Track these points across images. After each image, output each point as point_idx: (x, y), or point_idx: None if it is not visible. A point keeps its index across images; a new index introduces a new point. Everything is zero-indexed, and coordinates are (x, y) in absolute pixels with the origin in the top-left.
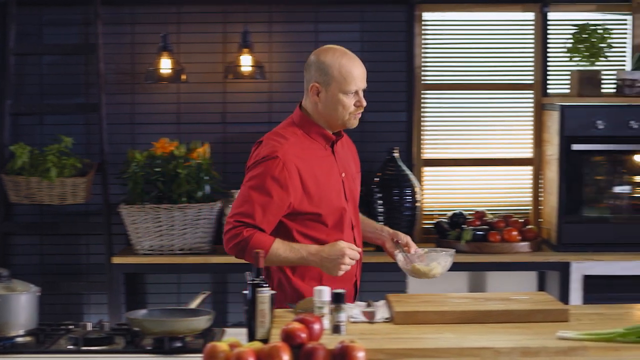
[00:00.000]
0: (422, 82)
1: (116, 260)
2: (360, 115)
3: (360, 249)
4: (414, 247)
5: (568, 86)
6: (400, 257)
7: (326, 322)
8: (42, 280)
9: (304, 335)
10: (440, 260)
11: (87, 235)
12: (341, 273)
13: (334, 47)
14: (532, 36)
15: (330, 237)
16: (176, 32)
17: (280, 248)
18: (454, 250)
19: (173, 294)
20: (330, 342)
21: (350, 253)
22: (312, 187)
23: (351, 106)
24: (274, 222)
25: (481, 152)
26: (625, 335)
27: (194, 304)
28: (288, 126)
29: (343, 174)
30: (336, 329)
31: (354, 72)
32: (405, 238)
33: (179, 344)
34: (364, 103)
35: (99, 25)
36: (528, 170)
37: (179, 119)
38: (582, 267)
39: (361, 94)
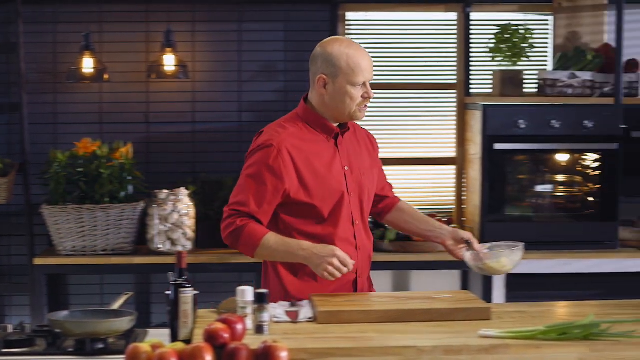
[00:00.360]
0: None
1: (38, 261)
2: (366, 108)
3: (352, 263)
4: (477, 244)
5: (490, 86)
6: (468, 255)
7: (249, 322)
8: None
9: (226, 335)
10: (510, 255)
11: (9, 236)
12: (326, 275)
13: (341, 38)
14: (455, 36)
15: (324, 230)
16: (98, 31)
17: (271, 240)
18: (523, 243)
19: (96, 295)
20: (253, 342)
21: (341, 256)
22: (308, 177)
23: (358, 98)
24: (269, 211)
25: (405, 152)
26: (546, 333)
27: (116, 305)
28: (290, 118)
29: (346, 167)
30: (259, 329)
31: (362, 63)
32: (467, 235)
33: (100, 346)
34: (372, 94)
35: (20, 24)
36: (451, 169)
37: (101, 118)
38: None
39: (368, 85)
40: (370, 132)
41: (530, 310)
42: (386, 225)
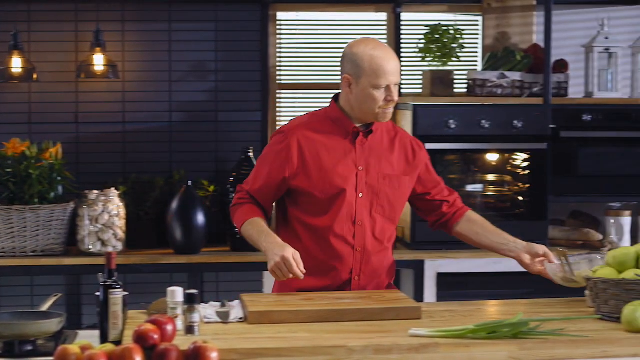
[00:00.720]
0: (277, 81)
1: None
2: (391, 110)
3: (298, 270)
4: (552, 257)
5: (421, 86)
6: (553, 268)
7: (180, 323)
8: None
9: (156, 336)
10: (591, 264)
11: None
12: (273, 273)
13: (368, 39)
14: (385, 36)
15: (321, 223)
16: (27, 30)
17: (249, 224)
18: (602, 252)
19: (26, 297)
20: (183, 343)
21: (288, 260)
22: (312, 167)
23: (380, 100)
24: (267, 193)
25: None
26: (475, 332)
27: (45, 307)
28: (317, 112)
29: (360, 168)
30: (189, 329)
31: (386, 66)
32: (542, 249)
33: (29, 348)
34: (395, 98)
35: None
36: None
37: (30, 118)
38: (436, 265)
39: (393, 88)
40: None
41: (460, 309)
42: None
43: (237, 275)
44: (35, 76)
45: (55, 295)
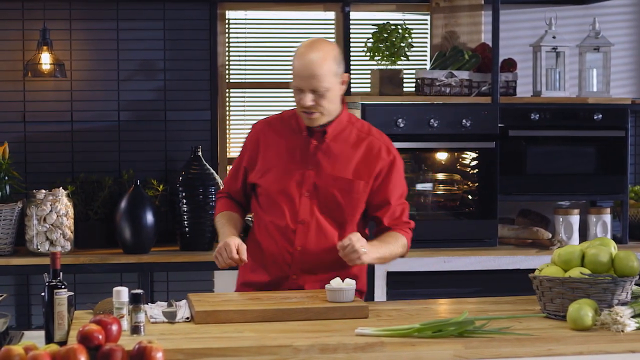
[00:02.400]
0: (227, 80)
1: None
2: (314, 116)
3: (240, 258)
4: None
5: (369, 85)
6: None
7: (125, 323)
8: None
9: (100, 336)
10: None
11: None
12: (215, 258)
13: (309, 40)
14: (334, 35)
15: (267, 217)
16: None
17: (218, 220)
18: None
19: None
20: (129, 343)
21: (229, 247)
22: (263, 162)
23: (298, 102)
24: (233, 185)
25: None
26: (421, 331)
27: None
28: (288, 110)
29: (310, 168)
30: (135, 329)
31: (297, 69)
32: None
33: None
34: (303, 103)
35: None
36: None
37: None
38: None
39: (306, 95)
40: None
41: (407, 308)
42: None
43: (188, 274)
44: None
45: (1, 295)
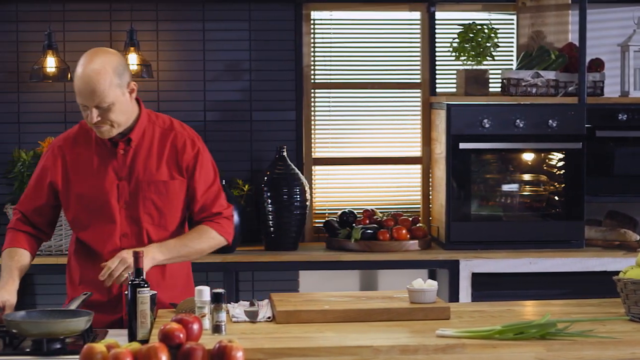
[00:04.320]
0: (312, 80)
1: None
2: (104, 129)
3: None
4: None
5: (455, 85)
6: None
7: (207, 322)
8: None
9: (181, 335)
10: None
11: None
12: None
13: (90, 51)
14: (419, 36)
15: (88, 237)
16: (61, 30)
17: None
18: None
19: (61, 295)
20: (210, 342)
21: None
22: (74, 181)
23: (86, 119)
24: (33, 203)
25: (371, 151)
26: (502, 333)
27: (74, 305)
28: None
29: (122, 178)
30: (217, 328)
31: (77, 87)
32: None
33: (58, 346)
34: (90, 120)
35: None
36: (417, 168)
37: (65, 118)
38: (470, 264)
39: (92, 110)
40: (338, 130)
41: (490, 309)
42: (352, 225)
43: (273, 274)
44: (69, 76)
45: (85, 294)
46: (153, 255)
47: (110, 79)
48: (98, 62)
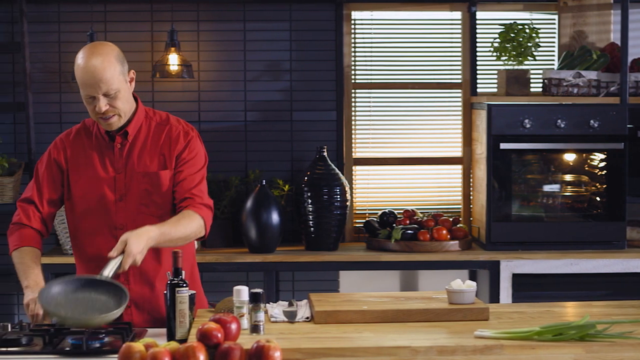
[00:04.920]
0: (353, 81)
1: (44, 260)
2: (112, 119)
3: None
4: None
5: (496, 85)
6: None
7: (245, 322)
8: None
9: (219, 335)
10: None
11: None
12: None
13: (87, 45)
14: (460, 35)
15: (89, 229)
16: (103, 30)
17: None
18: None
19: None
20: (248, 341)
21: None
22: (75, 175)
23: (93, 111)
24: (43, 195)
25: (411, 151)
26: (541, 334)
27: (107, 271)
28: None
29: (119, 171)
30: (255, 328)
31: (83, 79)
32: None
33: (96, 345)
34: (99, 110)
35: (24, 24)
36: (458, 169)
37: None
38: (511, 265)
39: (100, 99)
40: (379, 131)
41: (529, 310)
42: (393, 225)
43: (313, 274)
44: None
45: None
46: (149, 235)
47: (114, 66)
48: (100, 52)
